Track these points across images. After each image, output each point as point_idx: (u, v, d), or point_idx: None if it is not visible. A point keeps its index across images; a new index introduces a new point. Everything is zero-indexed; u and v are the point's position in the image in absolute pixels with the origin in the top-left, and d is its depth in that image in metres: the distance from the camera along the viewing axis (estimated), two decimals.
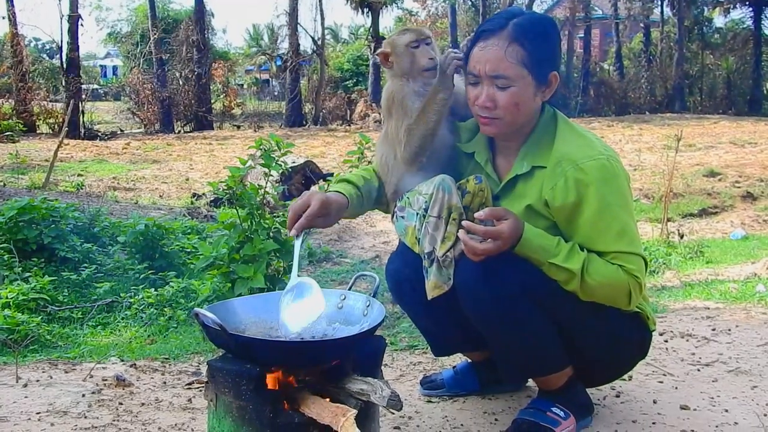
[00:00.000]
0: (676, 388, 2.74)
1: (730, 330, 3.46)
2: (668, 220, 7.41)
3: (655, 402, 2.60)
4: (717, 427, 2.40)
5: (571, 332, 2.21)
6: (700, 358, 3.08)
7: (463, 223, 2.07)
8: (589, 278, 2.07)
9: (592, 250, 2.09)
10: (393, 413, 2.43)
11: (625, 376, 2.82)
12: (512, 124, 2.16)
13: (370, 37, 31.76)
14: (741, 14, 34.39)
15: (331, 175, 8.96)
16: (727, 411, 2.52)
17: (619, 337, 2.26)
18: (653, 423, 2.43)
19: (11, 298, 4.02)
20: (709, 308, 3.98)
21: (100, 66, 47.42)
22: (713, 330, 3.47)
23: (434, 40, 2.34)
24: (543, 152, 2.17)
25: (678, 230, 7.10)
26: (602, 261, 2.08)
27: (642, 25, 33.98)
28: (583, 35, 33.88)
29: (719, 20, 35.78)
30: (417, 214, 2.21)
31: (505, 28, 2.09)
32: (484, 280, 2.08)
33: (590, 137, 2.18)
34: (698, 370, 2.93)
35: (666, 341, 3.31)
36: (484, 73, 2.11)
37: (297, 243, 2.11)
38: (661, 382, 2.81)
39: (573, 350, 2.25)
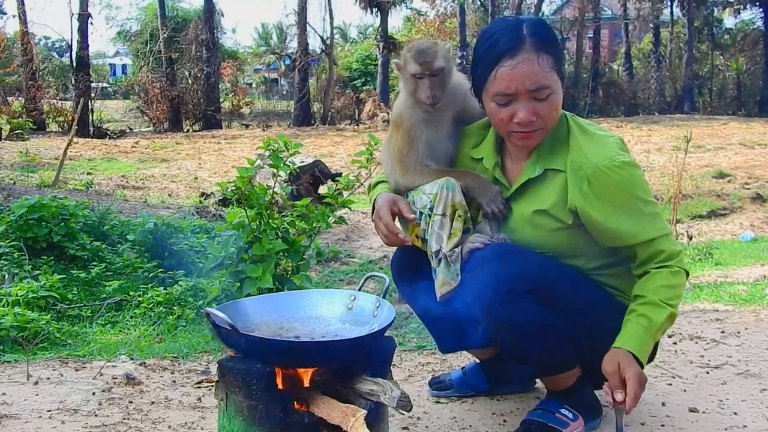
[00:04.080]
0: (685, 390, 2.74)
1: (739, 332, 3.45)
2: (677, 221, 7.40)
3: (663, 404, 2.60)
4: (726, 430, 2.39)
5: (580, 333, 2.21)
6: (709, 360, 3.07)
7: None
8: (672, 300, 2.13)
9: (640, 242, 2.13)
10: (402, 414, 2.44)
11: None
12: (549, 130, 2.19)
13: (378, 37, 31.77)
14: (751, 15, 34.32)
15: (340, 174, 8.95)
16: (736, 414, 2.51)
17: None
18: (662, 425, 2.43)
19: (21, 296, 4.03)
20: (718, 310, 3.97)
21: (110, 64, 47.50)
22: (722, 332, 3.46)
23: (449, 68, 2.29)
24: (557, 155, 2.18)
25: (687, 232, 7.09)
26: (658, 282, 2.12)
27: (651, 25, 33.89)
28: (592, 35, 33.82)
29: (729, 21, 35.73)
30: (421, 213, 2.25)
31: (525, 41, 2.09)
32: (493, 278, 2.09)
33: (602, 136, 2.19)
34: (707, 372, 2.93)
35: (675, 343, 3.31)
36: (523, 90, 2.09)
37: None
38: (670, 384, 2.80)
39: (581, 353, 2.25)
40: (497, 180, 2.29)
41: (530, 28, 2.12)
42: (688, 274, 2.19)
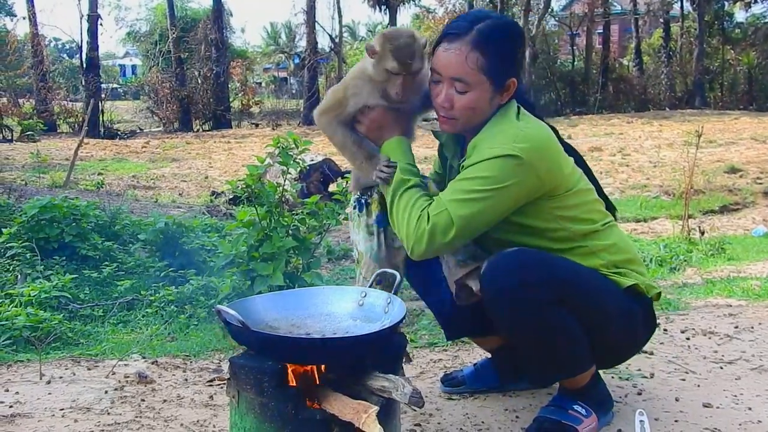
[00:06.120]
0: (699, 386, 2.72)
1: (752, 327, 3.43)
2: (689, 216, 7.35)
3: (677, 400, 2.58)
4: (740, 425, 2.38)
5: (591, 322, 2.20)
6: (722, 355, 3.05)
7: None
8: (402, 194, 2.17)
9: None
10: (415, 410, 2.43)
11: (647, 374, 2.81)
12: (467, 125, 2.22)
13: None
14: (762, 9, 34.02)
15: (349, 172, 8.96)
16: (750, 409, 2.50)
17: (626, 313, 2.25)
18: (675, 421, 2.42)
19: (33, 296, 4.05)
20: (731, 305, 3.95)
21: (120, 65, 47.68)
22: (736, 327, 3.44)
23: (425, 69, 2.24)
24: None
25: (699, 227, 7.04)
26: (423, 200, 2.15)
27: (661, 20, 33.67)
28: (601, 31, 33.68)
29: (740, 15, 35.45)
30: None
31: (469, 33, 2.14)
32: (517, 290, 2.09)
33: (515, 128, 2.14)
34: (721, 367, 2.91)
35: (688, 339, 3.29)
36: (446, 75, 2.16)
37: None
38: (684, 379, 2.79)
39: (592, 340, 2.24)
40: (457, 167, 2.32)
41: (485, 26, 2.15)
42: (428, 228, 2.09)
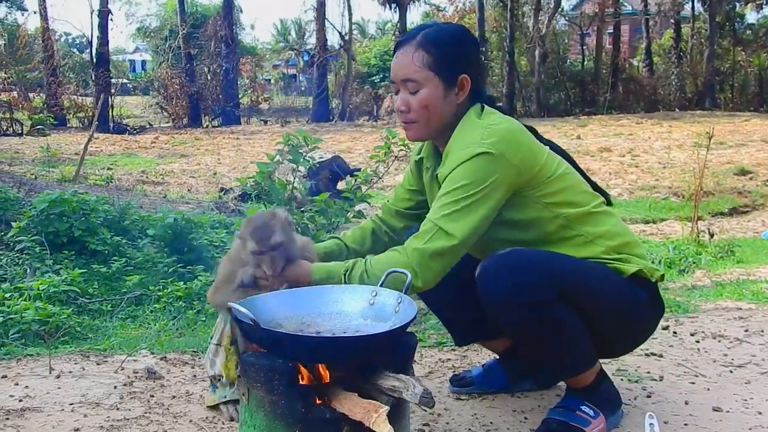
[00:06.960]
0: (709, 389, 2.71)
1: (762, 331, 3.42)
2: (698, 218, 7.31)
3: (687, 403, 2.58)
4: (750, 429, 2.37)
5: (594, 316, 2.20)
6: (732, 359, 3.04)
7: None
8: (370, 269, 2.13)
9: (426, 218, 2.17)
10: (425, 410, 2.43)
11: (656, 377, 2.81)
12: (427, 126, 2.25)
13: (397, 33, 31.74)
14: None
15: (358, 170, 8.95)
16: (760, 413, 2.49)
17: (632, 302, 2.24)
18: (685, 424, 2.41)
19: (42, 290, 4.05)
20: (741, 309, 3.94)
21: (129, 60, 47.73)
22: (746, 331, 3.43)
23: (289, 239, 2.20)
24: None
25: (708, 229, 7.01)
26: (386, 253, 2.16)
27: (672, 21, 33.53)
28: (612, 31, 33.58)
29: (751, 16, 35.30)
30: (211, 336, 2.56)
31: (416, 37, 2.24)
32: (515, 291, 2.09)
33: (480, 127, 2.16)
34: (731, 371, 2.90)
35: (698, 342, 3.28)
36: (398, 79, 2.25)
37: None
38: (693, 383, 2.78)
39: (596, 333, 2.23)
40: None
41: (429, 30, 2.25)
42: (417, 279, 2.09)
